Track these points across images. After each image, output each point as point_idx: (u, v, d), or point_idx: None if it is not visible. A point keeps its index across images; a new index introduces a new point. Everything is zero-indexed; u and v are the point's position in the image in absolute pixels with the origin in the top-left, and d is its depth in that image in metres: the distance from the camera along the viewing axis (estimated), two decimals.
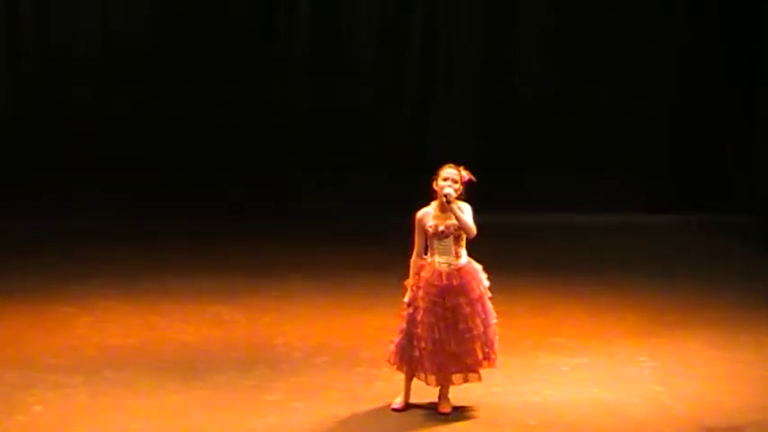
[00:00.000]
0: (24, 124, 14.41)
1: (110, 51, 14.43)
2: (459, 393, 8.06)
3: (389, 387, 8.09)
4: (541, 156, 14.80)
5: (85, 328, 9.77)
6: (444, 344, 7.75)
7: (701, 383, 8.55)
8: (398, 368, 7.95)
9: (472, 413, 7.89)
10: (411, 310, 7.82)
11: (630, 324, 10.02)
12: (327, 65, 14.72)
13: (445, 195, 7.69)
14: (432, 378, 7.87)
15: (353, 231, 13.44)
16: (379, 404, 8.01)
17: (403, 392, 7.95)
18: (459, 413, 7.87)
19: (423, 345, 7.76)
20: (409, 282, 7.87)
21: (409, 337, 7.82)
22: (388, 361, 7.98)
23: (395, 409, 7.90)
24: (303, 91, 14.77)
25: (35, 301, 10.54)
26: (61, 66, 14.44)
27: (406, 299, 7.87)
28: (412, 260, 7.89)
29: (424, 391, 7.95)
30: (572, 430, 7.58)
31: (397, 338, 7.90)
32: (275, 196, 14.52)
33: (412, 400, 7.96)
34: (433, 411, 7.87)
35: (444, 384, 7.89)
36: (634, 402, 8.14)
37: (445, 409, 7.88)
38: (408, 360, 7.85)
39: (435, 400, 7.94)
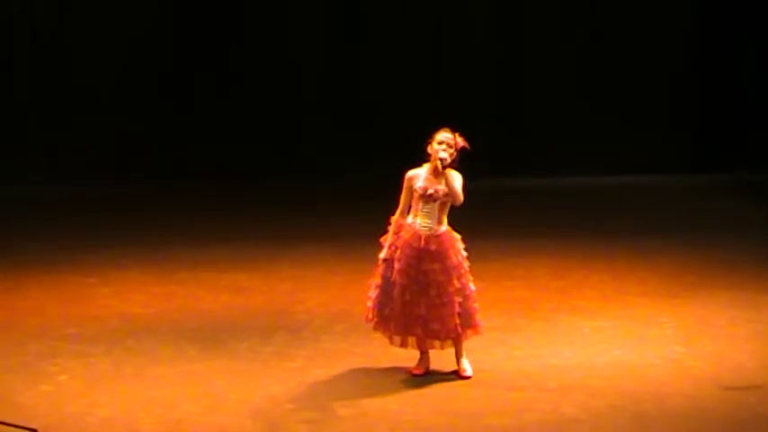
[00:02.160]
0: (39, 93, 14.45)
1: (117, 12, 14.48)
2: (479, 356, 8.07)
3: (408, 352, 8.09)
4: (558, 117, 14.76)
5: (106, 297, 9.81)
6: (413, 306, 7.75)
7: (721, 344, 8.54)
8: (375, 326, 7.95)
9: (492, 375, 7.90)
10: (384, 267, 7.81)
11: (651, 285, 10.01)
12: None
13: (440, 159, 7.65)
14: (396, 338, 7.90)
15: (370, 198, 13.41)
16: (400, 369, 8.02)
17: (421, 358, 7.96)
18: (479, 376, 7.88)
19: (392, 305, 7.78)
20: (387, 238, 7.86)
21: (385, 290, 7.83)
22: (366, 318, 7.98)
23: (415, 375, 7.92)
24: (317, 57, 14.76)
25: (55, 271, 10.60)
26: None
27: (382, 255, 7.86)
28: (394, 218, 7.87)
29: (442, 357, 7.96)
30: (593, 392, 7.58)
31: (374, 293, 7.90)
32: (292, 164, 14.54)
33: (433, 366, 7.97)
34: (450, 375, 7.88)
35: (420, 348, 7.89)
36: (655, 363, 8.14)
37: (464, 372, 7.88)
38: (383, 318, 7.86)
39: (450, 365, 7.95)
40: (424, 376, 7.90)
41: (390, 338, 7.97)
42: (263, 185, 14.07)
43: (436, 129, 7.79)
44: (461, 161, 7.72)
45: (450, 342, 7.90)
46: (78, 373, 8.01)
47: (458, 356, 7.93)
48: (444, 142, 7.70)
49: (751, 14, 14.67)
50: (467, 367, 7.91)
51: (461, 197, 7.69)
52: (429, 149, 7.76)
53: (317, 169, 14.51)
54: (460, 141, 7.75)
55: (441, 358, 7.97)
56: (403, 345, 7.96)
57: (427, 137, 7.77)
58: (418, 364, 7.96)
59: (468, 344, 7.95)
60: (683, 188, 14.14)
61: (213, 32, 14.66)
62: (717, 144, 14.73)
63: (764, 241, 11.46)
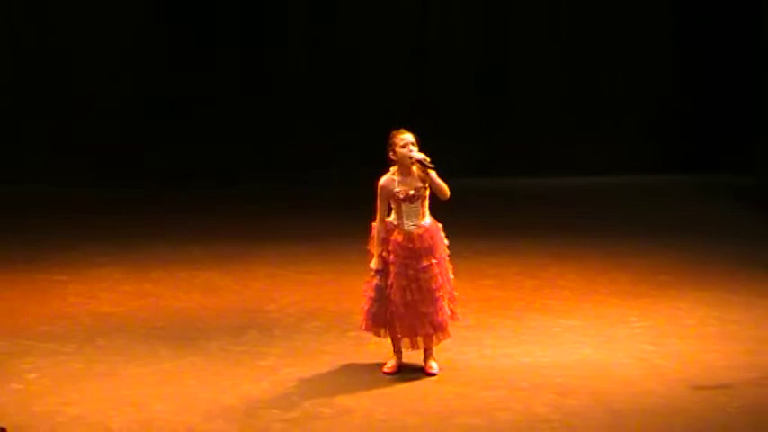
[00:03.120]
0: (11, 89, 14.40)
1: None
2: (451, 355, 8.09)
3: (381, 350, 8.12)
4: (534, 117, 14.78)
5: (78, 296, 9.78)
6: (417, 305, 7.77)
7: (691, 343, 8.58)
8: (375, 333, 7.97)
9: (464, 374, 7.92)
10: (378, 279, 7.80)
11: (622, 285, 10.05)
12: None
13: (420, 161, 7.66)
14: (405, 341, 7.90)
15: (345, 197, 13.42)
16: (372, 367, 8.03)
17: (394, 356, 7.98)
18: (451, 375, 7.90)
19: (394, 308, 7.78)
20: (374, 248, 7.85)
21: (381, 301, 7.82)
22: (362, 328, 8.00)
23: (387, 373, 7.93)
24: (298, 57, 14.76)
25: (26, 269, 10.56)
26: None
27: (372, 265, 7.85)
28: (375, 226, 7.85)
29: (413, 354, 7.98)
30: (563, 391, 7.61)
31: (366, 305, 7.90)
32: (265, 162, 14.52)
33: (403, 363, 7.99)
34: (423, 373, 7.90)
35: (428, 346, 7.91)
36: (625, 362, 8.18)
37: (432, 369, 7.91)
38: (384, 323, 7.87)
39: (422, 362, 7.96)
40: (396, 374, 7.91)
41: (399, 341, 7.93)
42: (238, 186, 14.05)
43: (390, 131, 7.78)
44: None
45: (447, 333, 7.88)
46: (49, 371, 7.99)
47: (428, 353, 7.94)
48: (408, 143, 7.72)
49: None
50: (434, 364, 7.92)
51: (447, 189, 7.71)
52: (393, 156, 7.76)
53: (292, 170, 14.48)
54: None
55: (411, 355, 7.98)
56: (412, 346, 7.92)
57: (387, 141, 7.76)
58: (391, 363, 7.97)
59: (441, 342, 7.96)
60: (656, 189, 14.18)
61: (192, 31, 14.63)
62: (697, 146, 14.76)
63: (735, 241, 11.52)
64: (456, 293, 7.99)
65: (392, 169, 7.81)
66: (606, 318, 9.16)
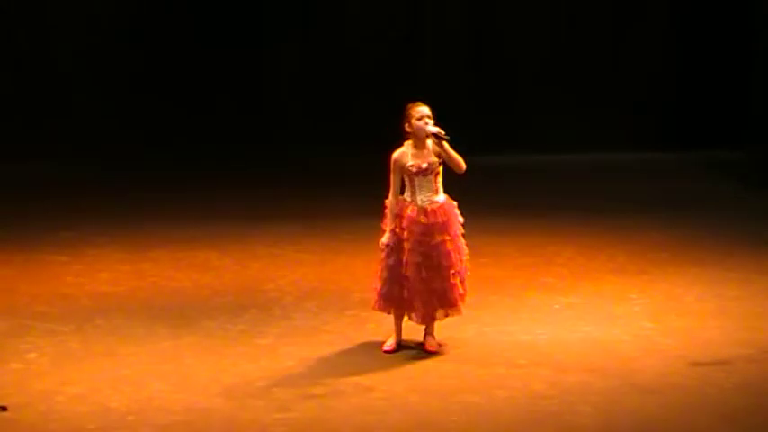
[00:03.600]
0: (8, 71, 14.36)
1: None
2: (451, 333, 8.11)
3: (380, 329, 8.13)
4: (530, 95, 14.76)
5: (76, 275, 9.78)
6: (431, 282, 7.77)
7: (689, 320, 8.60)
8: (388, 312, 7.98)
9: (463, 352, 7.94)
10: (392, 258, 7.78)
11: (621, 262, 10.06)
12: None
13: (435, 134, 7.63)
14: (416, 315, 7.89)
15: (342, 176, 13.43)
16: (371, 346, 8.05)
17: (394, 334, 7.99)
18: (450, 352, 7.92)
19: (410, 285, 7.77)
20: (387, 224, 7.84)
21: (394, 279, 7.82)
22: (374, 308, 8.00)
23: (386, 351, 7.94)
24: (294, 41, 14.75)
25: (25, 249, 10.55)
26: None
27: (383, 240, 7.82)
28: (388, 201, 7.84)
29: (412, 331, 7.99)
30: (562, 368, 7.63)
31: (378, 285, 7.90)
32: (264, 142, 14.51)
33: (402, 339, 8.00)
34: (421, 351, 7.91)
35: (429, 322, 7.92)
36: (624, 339, 8.19)
37: (432, 346, 7.92)
38: (398, 302, 7.87)
39: (421, 339, 7.97)
40: (395, 352, 7.92)
41: (411, 317, 7.94)
42: (236, 165, 14.03)
43: (407, 103, 7.76)
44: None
45: (457, 309, 7.88)
46: (48, 351, 8.00)
47: (428, 331, 7.95)
48: (424, 116, 7.69)
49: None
50: (433, 342, 7.94)
51: (463, 162, 7.68)
52: (408, 127, 7.74)
53: (291, 149, 14.46)
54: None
55: (408, 332, 7.99)
56: (424, 321, 7.89)
57: (401, 115, 7.76)
58: (390, 341, 7.98)
59: (440, 321, 7.97)
60: (654, 166, 14.17)
61: (190, 26, 14.61)
62: (691, 122, 14.76)
63: (733, 219, 11.53)
64: (468, 273, 7.96)
65: (406, 143, 7.78)
66: (605, 295, 9.17)
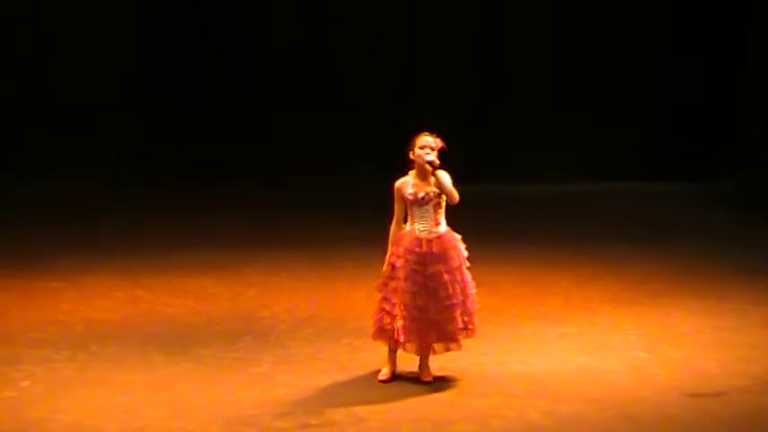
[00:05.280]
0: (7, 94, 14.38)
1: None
2: (445, 363, 8.09)
3: (375, 357, 8.11)
4: (525, 125, 14.81)
5: (71, 302, 9.77)
6: (425, 312, 7.77)
7: (685, 350, 8.59)
8: (384, 342, 7.97)
9: (458, 382, 7.92)
10: (388, 288, 7.80)
11: (615, 292, 10.06)
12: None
13: (429, 163, 7.72)
14: (411, 346, 7.89)
15: (339, 204, 13.44)
16: (366, 375, 8.03)
17: (388, 364, 7.98)
18: (445, 382, 7.90)
19: (405, 313, 7.77)
20: (388, 251, 7.87)
21: (390, 308, 7.82)
22: (373, 338, 7.99)
23: (381, 381, 7.93)
24: (293, 67, 14.77)
25: (20, 275, 10.54)
26: None
27: (384, 270, 7.86)
28: (391, 228, 7.90)
29: (407, 361, 7.98)
30: (557, 399, 7.62)
31: (377, 314, 7.90)
32: (262, 171, 14.53)
33: (397, 370, 7.99)
34: (417, 381, 7.90)
35: (425, 354, 7.91)
36: (618, 370, 8.19)
37: (427, 377, 7.90)
38: (392, 332, 7.86)
39: (416, 370, 7.96)
40: (390, 382, 7.91)
41: (404, 347, 7.93)
42: (232, 192, 14.04)
43: (415, 134, 7.82)
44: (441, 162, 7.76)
45: (457, 345, 7.88)
46: (41, 378, 7.97)
47: (424, 361, 7.93)
48: (427, 146, 7.77)
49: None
50: (428, 372, 7.92)
51: (456, 195, 7.73)
52: (412, 155, 7.81)
53: (287, 175, 14.48)
54: (439, 142, 7.82)
55: (404, 363, 7.98)
56: (419, 352, 7.90)
57: (407, 142, 7.80)
58: (385, 371, 7.97)
59: (439, 355, 7.95)
60: (649, 196, 14.21)
61: (182, 33, 14.64)
62: (684, 153, 14.80)
63: (728, 249, 11.54)
64: (476, 307, 7.94)
65: (410, 172, 7.84)
66: (599, 325, 9.17)
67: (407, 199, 7.81)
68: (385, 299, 7.87)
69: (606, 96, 14.93)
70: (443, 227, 7.86)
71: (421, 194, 7.78)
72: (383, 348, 8.01)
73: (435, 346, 7.89)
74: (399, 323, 7.80)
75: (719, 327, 9.13)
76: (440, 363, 8.06)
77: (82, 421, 7.23)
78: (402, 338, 7.82)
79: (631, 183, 14.48)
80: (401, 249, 7.81)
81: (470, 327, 7.92)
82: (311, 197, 13.76)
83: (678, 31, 14.93)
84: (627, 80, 14.96)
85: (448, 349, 7.93)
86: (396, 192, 7.87)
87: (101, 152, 14.26)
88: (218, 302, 9.82)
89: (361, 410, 7.45)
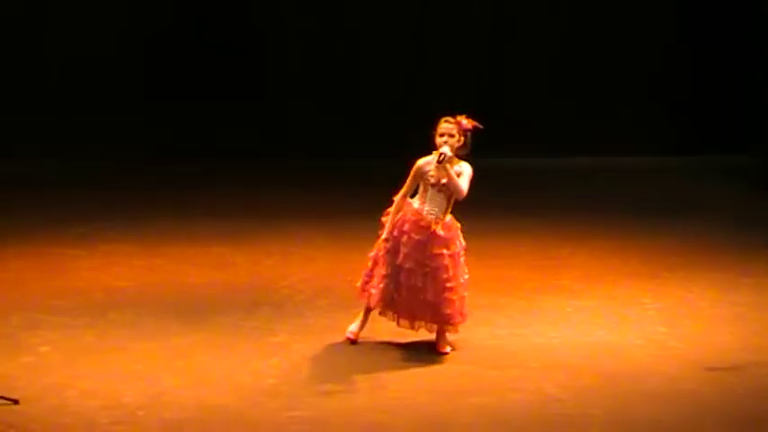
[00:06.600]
0: (9, 64, 14.37)
1: None
2: (463, 335, 8.09)
3: (392, 326, 8.10)
4: (542, 98, 14.75)
5: (89, 270, 9.79)
6: (421, 292, 7.75)
7: (703, 325, 8.58)
8: (381, 312, 7.97)
9: (475, 354, 7.92)
10: (390, 254, 7.76)
11: (634, 266, 10.04)
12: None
13: (439, 154, 7.63)
14: (405, 322, 7.91)
15: (356, 174, 13.42)
16: (383, 345, 8.04)
17: (359, 322, 7.99)
18: (462, 354, 7.91)
19: (402, 290, 7.77)
20: (389, 218, 7.82)
21: (391, 280, 7.80)
22: (371, 306, 7.97)
23: (349, 339, 7.95)
24: (304, 39, 14.74)
25: (37, 243, 10.56)
26: None
27: (384, 235, 7.82)
28: (397, 198, 7.83)
29: (423, 332, 7.99)
30: (575, 372, 7.61)
31: (382, 282, 7.84)
32: (275, 138, 14.51)
33: (414, 339, 7.98)
34: (434, 351, 7.90)
35: (439, 331, 7.90)
36: (637, 344, 8.18)
37: (443, 348, 7.90)
38: (390, 303, 7.86)
39: (433, 339, 7.96)
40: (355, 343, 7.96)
41: (398, 321, 7.96)
42: (250, 163, 14.03)
43: (438, 117, 7.74)
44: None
45: (454, 328, 7.89)
46: (60, 345, 8.00)
47: (440, 333, 7.93)
48: (445, 133, 7.66)
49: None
50: (445, 344, 7.91)
51: (463, 192, 7.66)
52: (436, 141, 7.72)
53: (306, 148, 14.46)
54: (467, 123, 7.71)
55: (422, 333, 7.99)
56: (411, 327, 7.95)
57: (433, 124, 7.73)
58: (353, 328, 8.00)
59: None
60: (668, 169, 14.15)
61: (203, 16, 14.63)
62: (702, 126, 14.74)
63: (747, 223, 11.50)
64: (465, 294, 7.90)
65: (434, 152, 7.74)
66: (618, 299, 9.15)
67: (428, 179, 7.74)
68: (375, 263, 7.85)
69: (624, 69, 14.84)
70: (449, 216, 7.83)
71: (444, 181, 7.72)
72: (456, 331, 7.95)
73: (428, 326, 7.87)
74: (395, 296, 7.77)
75: (737, 302, 9.11)
76: (457, 335, 8.06)
77: (99, 388, 7.26)
78: (373, 305, 7.84)
79: (650, 156, 14.42)
80: (407, 225, 7.76)
81: (464, 313, 7.89)
82: (328, 172, 13.72)
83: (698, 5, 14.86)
84: (643, 54, 14.86)
85: (446, 330, 7.90)
86: (416, 169, 7.77)
87: (118, 124, 14.24)
88: (235, 272, 9.84)
89: (378, 380, 7.47)
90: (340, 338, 8.18)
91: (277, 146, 14.47)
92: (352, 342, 8.00)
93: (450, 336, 7.94)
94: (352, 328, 8.03)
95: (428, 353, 7.90)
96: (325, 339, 8.16)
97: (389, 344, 8.03)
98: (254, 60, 14.70)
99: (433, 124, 7.76)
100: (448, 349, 7.91)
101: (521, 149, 14.23)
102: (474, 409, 7.04)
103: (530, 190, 13.05)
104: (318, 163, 13.98)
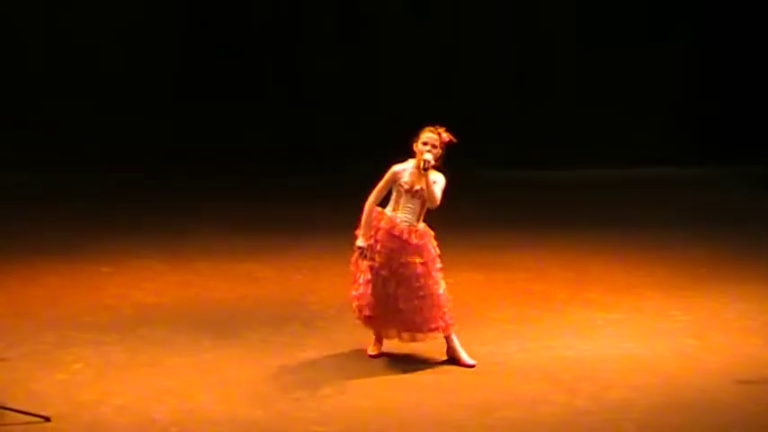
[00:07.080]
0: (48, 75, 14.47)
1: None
2: (492, 348, 8.10)
3: (422, 346, 8.11)
4: (569, 111, 14.76)
5: (120, 286, 9.85)
6: (393, 300, 7.79)
7: (732, 336, 8.56)
8: (367, 322, 8.01)
9: (505, 367, 7.93)
10: (370, 262, 7.82)
11: (662, 278, 10.02)
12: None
13: (424, 161, 7.66)
14: (392, 332, 7.96)
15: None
16: (412, 360, 8.05)
17: (374, 338, 8.05)
18: (491, 367, 7.91)
19: (377, 299, 7.83)
20: (360, 230, 7.87)
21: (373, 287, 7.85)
22: (361, 317, 8.01)
23: (371, 356, 7.99)
24: (330, 55, 14.80)
25: (70, 260, 10.64)
26: None
27: (359, 243, 7.87)
28: (368, 204, 7.87)
29: (439, 346, 8.00)
30: (604, 384, 7.61)
31: (366, 289, 7.90)
32: (306, 155, 14.57)
33: (442, 355, 8.00)
34: (463, 368, 7.90)
35: (447, 337, 7.91)
36: (666, 356, 8.16)
37: (465, 361, 7.88)
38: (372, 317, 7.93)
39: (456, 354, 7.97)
40: (379, 357, 7.99)
41: (385, 334, 8.03)
42: (281, 176, 14.09)
43: (422, 126, 7.79)
44: (446, 156, 7.75)
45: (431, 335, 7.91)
46: (92, 361, 8.06)
47: (454, 349, 7.93)
48: (429, 143, 7.72)
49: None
50: (465, 356, 7.90)
51: (438, 200, 7.71)
52: (415, 148, 7.77)
53: (333, 162, 14.51)
54: (446, 137, 7.77)
55: (442, 346, 8.00)
56: (387, 337, 8.02)
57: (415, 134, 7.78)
58: (374, 345, 8.04)
59: (482, 335, 7.97)
60: (694, 180, 14.13)
61: (221, 31, 14.71)
62: (729, 136, 14.72)
63: None
64: (445, 309, 7.87)
65: (411, 160, 7.81)
66: (647, 311, 9.14)
67: (401, 186, 7.78)
68: (355, 279, 7.94)
69: (648, 81, 14.84)
70: (421, 224, 7.86)
71: (417, 187, 7.76)
72: (433, 338, 8.00)
73: (403, 334, 7.90)
74: (360, 293, 7.85)
75: (767, 312, 9.07)
76: (487, 348, 8.08)
77: (131, 404, 7.31)
78: (360, 313, 7.90)
79: (676, 167, 14.40)
80: (380, 233, 7.80)
81: (451, 321, 7.88)
82: (354, 184, 13.73)
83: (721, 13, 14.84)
84: (669, 64, 14.85)
85: (414, 339, 7.93)
86: (390, 174, 7.82)
87: (149, 139, 14.33)
88: (265, 287, 9.88)
89: (408, 396, 7.48)
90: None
91: (308, 159, 14.53)
92: (375, 357, 8.02)
93: (457, 343, 7.93)
94: (371, 346, 8.08)
95: (455, 367, 7.91)
96: (355, 355, 8.19)
97: (416, 358, 8.04)
98: (285, 70, 14.77)
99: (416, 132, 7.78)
100: (471, 361, 7.89)
101: (550, 161, 14.24)
102: (504, 423, 7.04)
103: (558, 202, 13.02)
104: (349, 177, 14.00)
